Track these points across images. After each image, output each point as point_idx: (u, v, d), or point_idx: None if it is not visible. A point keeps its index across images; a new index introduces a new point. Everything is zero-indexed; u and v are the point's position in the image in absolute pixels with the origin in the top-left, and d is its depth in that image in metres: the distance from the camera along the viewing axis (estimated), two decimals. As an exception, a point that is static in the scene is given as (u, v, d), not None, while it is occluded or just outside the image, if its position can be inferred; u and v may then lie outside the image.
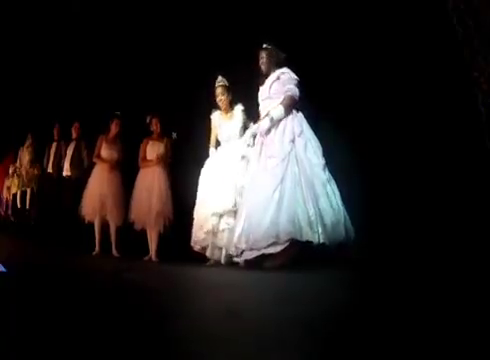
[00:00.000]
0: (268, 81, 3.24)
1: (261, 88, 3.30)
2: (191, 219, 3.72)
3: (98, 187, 4.49)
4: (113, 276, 2.94)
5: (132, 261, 4.13)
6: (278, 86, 3.17)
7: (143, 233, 4.20)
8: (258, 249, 2.90)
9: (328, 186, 2.97)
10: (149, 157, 4.28)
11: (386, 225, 3.16)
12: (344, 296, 1.83)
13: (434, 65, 3.28)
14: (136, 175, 4.34)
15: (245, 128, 3.67)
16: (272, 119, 3.11)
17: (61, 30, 5.35)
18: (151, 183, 4.18)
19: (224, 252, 3.38)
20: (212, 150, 3.76)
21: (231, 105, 3.74)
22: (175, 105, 4.60)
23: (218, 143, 3.78)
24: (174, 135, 4.33)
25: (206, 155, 3.83)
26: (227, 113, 3.74)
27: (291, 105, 3.13)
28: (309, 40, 3.58)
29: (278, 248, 2.85)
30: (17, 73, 6.03)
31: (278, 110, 3.10)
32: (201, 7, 4.50)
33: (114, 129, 4.63)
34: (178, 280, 2.81)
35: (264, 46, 3.30)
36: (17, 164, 6.52)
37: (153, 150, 4.28)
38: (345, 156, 3.30)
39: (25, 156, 6.27)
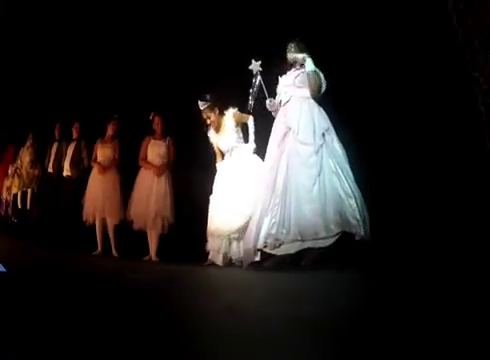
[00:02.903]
0: (295, 71, 3.25)
1: (283, 76, 3.31)
2: (193, 219, 3.71)
3: (94, 189, 4.52)
4: (113, 276, 2.94)
5: (132, 261, 4.13)
6: (302, 78, 3.18)
7: (143, 233, 4.20)
8: (303, 241, 2.81)
9: (356, 184, 2.95)
10: (150, 158, 4.27)
11: (386, 225, 3.15)
12: (345, 296, 1.83)
13: (434, 65, 3.28)
14: (136, 175, 4.33)
15: (240, 125, 3.66)
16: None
17: (62, 30, 5.36)
18: (150, 183, 4.17)
19: (222, 254, 3.40)
20: (218, 165, 3.72)
21: (221, 120, 3.67)
22: (176, 105, 4.60)
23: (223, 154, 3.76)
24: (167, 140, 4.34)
25: (208, 156, 3.82)
26: (219, 130, 3.70)
27: (316, 91, 3.14)
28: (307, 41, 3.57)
29: (327, 242, 2.78)
30: (18, 73, 6.03)
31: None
32: (202, 7, 4.50)
33: (110, 130, 4.67)
34: (178, 280, 2.81)
35: (295, 39, 3.30)
36: (18, 164, 6.51)
37: (154, 151, 4.26)
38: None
39: (26, 156, 6.25)
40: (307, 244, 2.82)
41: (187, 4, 4.58)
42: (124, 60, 5.06)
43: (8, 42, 5.59)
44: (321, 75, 3.16)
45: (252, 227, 3.06)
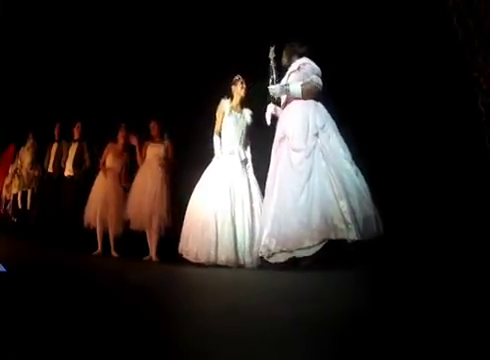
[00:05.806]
0: (287, 72, 3.21)
1: (282, 80, 3.25)
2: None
3: (101, 195, 4.53)
4: (113, 276, 2.94)
5: (132, 261, 4.13)
6: (297, 76, 3.12)
7: (143, 233, 4.20)
8: (289, 251, 2.82)
9: (357, 180, 2.86)
10: (148, 158, 4.29)
11: (387, 226, 3.15)
12: (346, 295, 1.83)
13: (434, 65, 3.28)
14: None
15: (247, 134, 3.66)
16: (287, 90, 3.05)
17: (63, 30, 5.37)
18: (145, 182, 4.18)
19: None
20: (216, 138, 3.61)
21: (243, 103, 3.68)
22: (176, 106, 4.60)
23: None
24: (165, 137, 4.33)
25: (207, 156, 3.80)
26: (239, 107, 3.68)
27: (310, 93, 3.06)
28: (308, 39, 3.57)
29: (311, 251, 2.75)
30: (18, 72, 6.04)
31: (295, 86, 3.05)
32: (201, 10, 4.51)
33: (121, 140, 4.66)
34: (178, 280, 2.81)
35: (286, 45, 3.25)
36: (18, 165, 6.52)
37: (152, 151, 4.29)
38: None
39: (26, 157, 6.26)
40: (293, 254, 2.83)
41: (187, 9, 4.59)
42: (125, 60, 5.06)
43: (8, 42, 5.59)
44: (318, 80, 3.09)
45: (257, 235, 3.12)
